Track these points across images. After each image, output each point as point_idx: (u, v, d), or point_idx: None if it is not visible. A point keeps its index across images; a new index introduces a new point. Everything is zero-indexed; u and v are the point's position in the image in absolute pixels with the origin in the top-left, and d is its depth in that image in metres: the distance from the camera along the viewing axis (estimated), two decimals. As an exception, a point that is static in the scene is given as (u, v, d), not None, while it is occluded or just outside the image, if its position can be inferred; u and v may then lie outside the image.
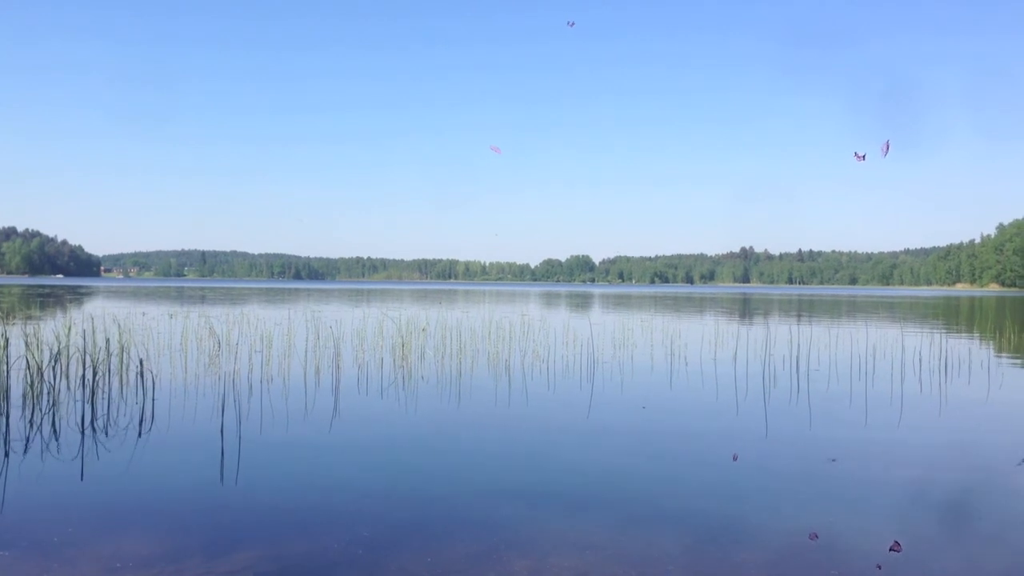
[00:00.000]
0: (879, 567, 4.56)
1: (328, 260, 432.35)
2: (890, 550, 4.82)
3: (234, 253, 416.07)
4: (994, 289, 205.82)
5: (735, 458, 7.32)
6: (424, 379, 12.30)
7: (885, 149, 11.19)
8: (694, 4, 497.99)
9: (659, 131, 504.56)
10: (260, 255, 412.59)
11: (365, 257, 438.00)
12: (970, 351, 18.17)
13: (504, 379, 12.40)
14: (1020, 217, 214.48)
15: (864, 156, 11.39)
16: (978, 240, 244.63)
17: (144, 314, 28.60)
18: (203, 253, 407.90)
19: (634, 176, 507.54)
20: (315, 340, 17.07)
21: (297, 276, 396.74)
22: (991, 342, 21.99)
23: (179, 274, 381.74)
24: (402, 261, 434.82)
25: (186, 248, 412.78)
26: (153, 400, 9.77)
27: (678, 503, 5.85)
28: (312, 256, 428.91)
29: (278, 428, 8.37)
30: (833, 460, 7.24)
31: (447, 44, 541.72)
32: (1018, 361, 16.76)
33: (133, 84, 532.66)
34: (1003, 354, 18.27)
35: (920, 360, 15.78)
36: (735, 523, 5.36)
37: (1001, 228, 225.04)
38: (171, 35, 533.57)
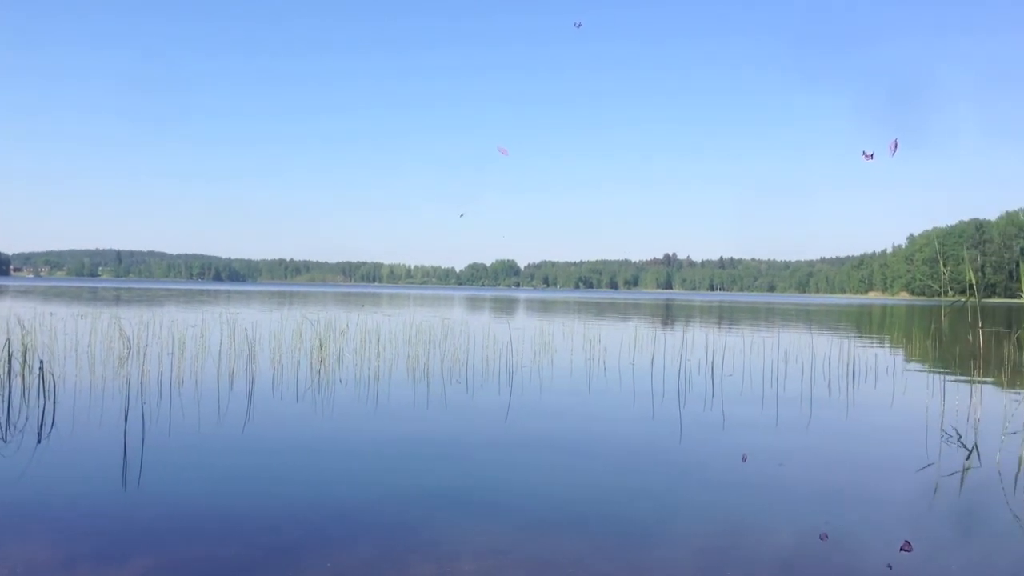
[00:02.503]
0: (890, 567, 4.65)
1: (249, 261, 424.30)
2: (900, 550, 4.93)
3: (151, 253, 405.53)
4: (904, 297, 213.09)
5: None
6: (342, 382, 12.15)
7: (893, 148, 11.12)
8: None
9: (591, 136, 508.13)
10: (178, 255, 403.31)
11: (288, 259, 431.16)
12: (876, 357, 18.75)
13: (423, 383, 12.33)
14: (930, 228, 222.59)
15: (872, 155, 11.37)
16: (890, 250, 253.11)
17: (52, 314, 27.65)
18: (118, 253, 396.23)
19: (561, 180, 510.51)
20: (230, 342, 16.72)
21: (217, 278, 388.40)
22: (898, 349, 22.75)
23: (93, 274, 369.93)
24: (325, 263, 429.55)
25: (100, 247, 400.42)
26: (55, 403, 9.43)
27: (586, 508, 5.87)
28: (233, 257, 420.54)
29: (188, 432, 8.17)
30: (780, 464, 7.39)
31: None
32: (923, 367, 17.35)
33: (46, 80, 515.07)
34: (911, 360, 18.91)
35: (830, 366, 16.21)
36: (641, 526, 5.42)
37: (911, 239, 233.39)
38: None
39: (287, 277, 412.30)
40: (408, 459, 7.35)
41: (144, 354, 14.88)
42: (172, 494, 5.92)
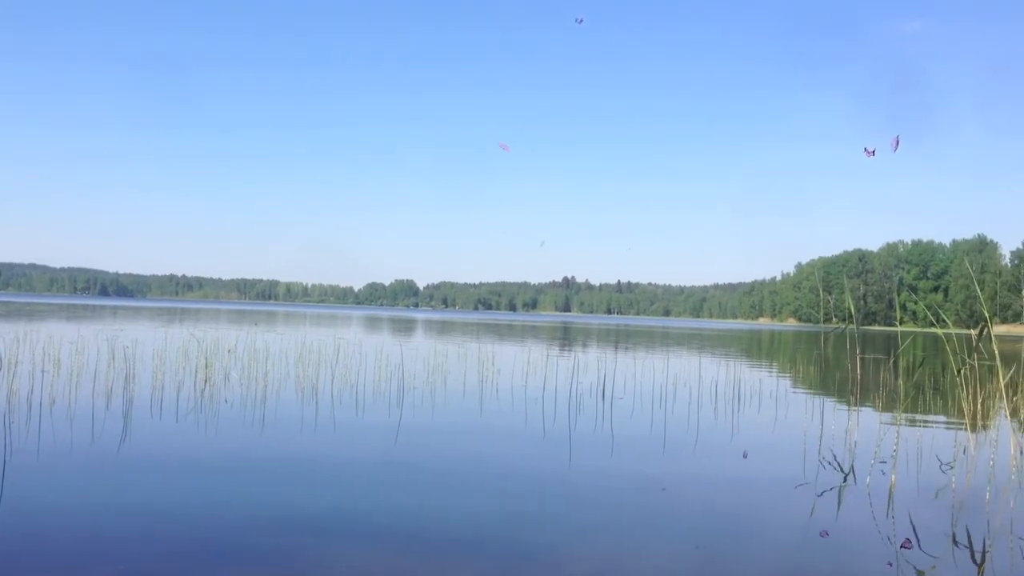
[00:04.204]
0: (890, 564, 4.73)
1: (139, 276, 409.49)
2: (901, 547, 5.00)
3: (32, 266, 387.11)
4: (791, 324, 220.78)
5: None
6: (227, 402, 11.81)
7: (895, 144, 11.17)
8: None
9: (491, 155, 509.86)
10: (62, 269, 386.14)
11: (179, 274, 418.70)
12: (762, 381, 19.32)
13: (312, 404, 12.09)
14: (816, 258, 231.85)
15: (874, 152, 11.45)
16: (779, 278, 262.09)
17: (-81, 329, 26.10)
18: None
19: (460, 201, 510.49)
20: (110, 360, 16.08)
21: (103, 292, 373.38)
22: (784, 374, 23.50)
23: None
24: (219, 280, 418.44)
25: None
26: (-87, 423, 8.88)
27: (473, 530, 5.82)
28: (121, 272, 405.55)
29: (59, 453, 7.78)
30: (663, 489, 7.47)
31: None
32: (805, 392, 17.95)
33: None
34: (795, 385, 19.54)
35: (717, 390, 16.61)
36: (528, 548, 5.40)
37: (799, 267, 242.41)
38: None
39: (179, 293, 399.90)
40: (291, 481, 7.17)
41: (15, 371, 14.16)
42: (35, 519, 5.61)
